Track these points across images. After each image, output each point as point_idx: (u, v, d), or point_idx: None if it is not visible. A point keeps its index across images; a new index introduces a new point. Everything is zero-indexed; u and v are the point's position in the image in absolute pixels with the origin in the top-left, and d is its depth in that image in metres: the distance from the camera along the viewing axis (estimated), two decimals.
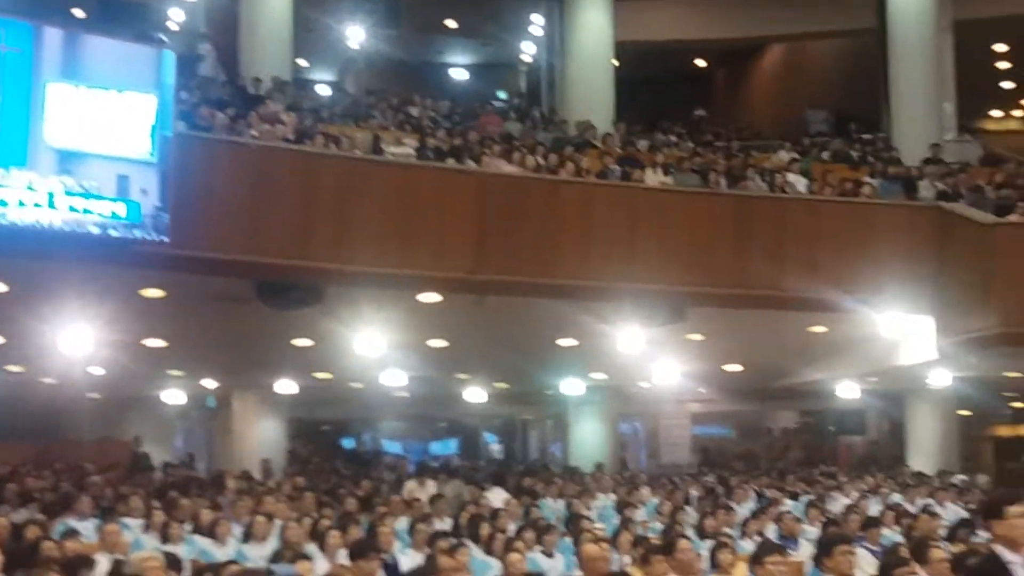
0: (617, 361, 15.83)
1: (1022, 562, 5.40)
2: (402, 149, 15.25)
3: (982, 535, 10.71)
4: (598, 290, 12.43)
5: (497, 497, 14.69)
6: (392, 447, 28.25)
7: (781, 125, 23.70)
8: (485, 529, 10.57)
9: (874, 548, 9.98)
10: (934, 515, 12.13)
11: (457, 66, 29.13)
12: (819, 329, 14.92)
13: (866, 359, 15.08)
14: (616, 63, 21.24)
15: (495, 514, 11.73)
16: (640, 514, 13.42)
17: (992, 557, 5.56)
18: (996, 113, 28.39)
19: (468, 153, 14.65)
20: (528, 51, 26.79)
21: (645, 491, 16.11)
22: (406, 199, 11.63)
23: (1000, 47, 24.49)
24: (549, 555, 9.84)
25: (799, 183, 16.16)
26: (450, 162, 13.93)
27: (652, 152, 17.50)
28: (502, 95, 27.98)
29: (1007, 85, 26.64)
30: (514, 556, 8.45)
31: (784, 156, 18.20)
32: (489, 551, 9.80)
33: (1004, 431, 25.89)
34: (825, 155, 19.47)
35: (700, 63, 28.75)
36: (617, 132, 18.61)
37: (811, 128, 22.74)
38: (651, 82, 25.14)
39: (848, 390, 18.07)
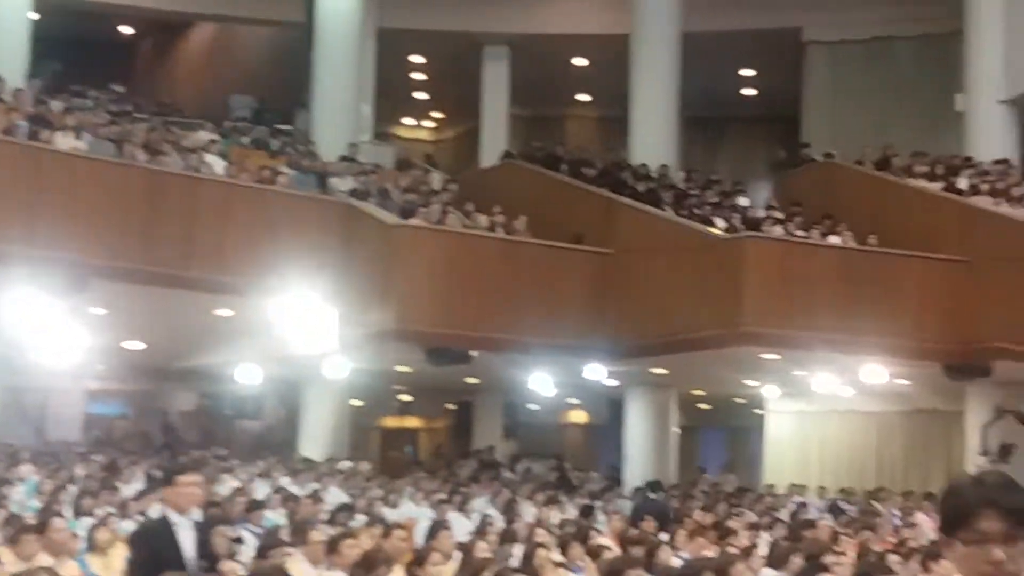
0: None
1: (188, 523, 6.29)
2: None
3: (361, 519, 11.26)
4: None
5: None
6: None
7: (204, 105, 23.48)
8: None
9: (256, 530, 10.16)
10: (318, 499, 12.56)
11: None
12: (225, 312, 14.94)
13: (268, 345, 15.31)
14: (36, 16, 19.95)
15: None
16: (19, 492, 12.68)
17: (162, 520, 6.37)
18: (409, 121, 30.03)
19: None
20: None
21: (26, 468, 15.24)
22: None
23: (417, 59, 25.93)
24: None
25: (217, 165, 16.10)
26: None
27: (66, 114, 16.62)
28: None
29: (421, 95, 28.27)
30: None
31: (204, 136, 18.04)
32: None
33: (391, 422, 27.41)
34: (245, 140, 19.56)
35: (126, 30, 27.76)
36: (30, 89, 17.47)
37: (234, 112, 22.74)
38: (73, 43, 23.93)
39: (249, 375, 18.25)
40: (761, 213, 17.83)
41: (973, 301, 15.23)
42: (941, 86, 21.33)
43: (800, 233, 16.61)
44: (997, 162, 18.75)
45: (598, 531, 11.23)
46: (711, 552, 9.19)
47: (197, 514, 6.47)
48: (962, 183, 17.75)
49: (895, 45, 23.13)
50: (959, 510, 2.36)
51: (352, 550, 7.53)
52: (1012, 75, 19.57)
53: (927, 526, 13.63)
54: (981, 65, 19.91)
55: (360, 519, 11.60)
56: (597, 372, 16.33)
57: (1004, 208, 16.55)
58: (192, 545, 6.26)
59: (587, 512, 14.15)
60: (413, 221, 15.65)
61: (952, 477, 2.58)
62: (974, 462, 16.39)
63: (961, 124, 20.37)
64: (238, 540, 8.37)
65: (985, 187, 17.34)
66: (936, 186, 17.80)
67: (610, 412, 23.50)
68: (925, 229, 16.38)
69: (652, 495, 16.36)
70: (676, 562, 7.72)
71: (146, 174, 14.18)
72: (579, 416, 27.53)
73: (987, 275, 15.22)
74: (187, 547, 6.23)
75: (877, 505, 16.71)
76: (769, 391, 21.07)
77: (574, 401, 25.49)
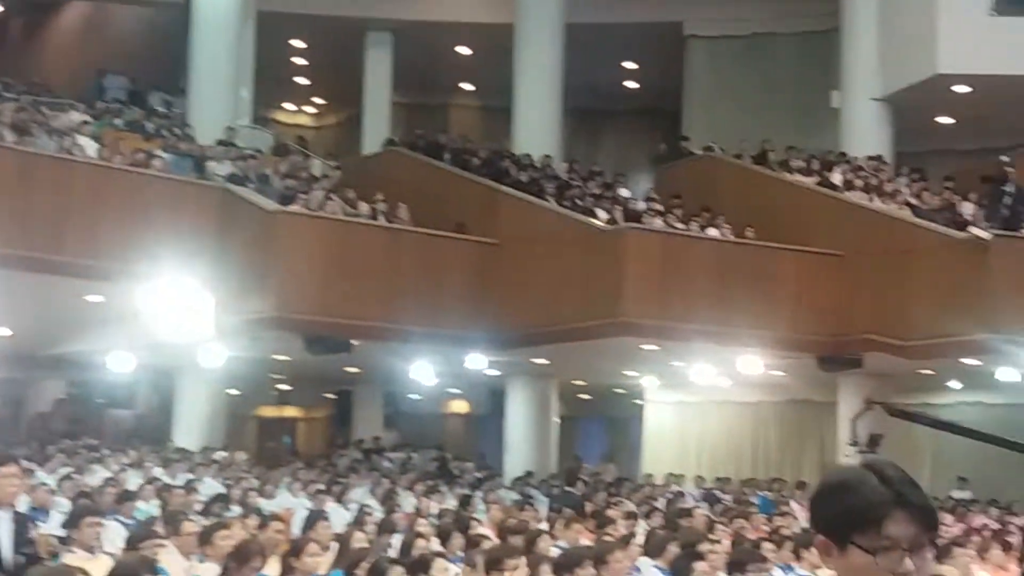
0: None
1: (6, 516, 6.08)
2: None
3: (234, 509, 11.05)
4: None
5: None
6: None
7: (76, 85, 22.81)
8: None
9: (128, 521, 9.90)
10: (192, 490, 12.30)
11: None
12: (96, 298, 14.53)
13: (142, 332, 14.93)
14: None
15: None
16: None
17: None
18: (289, 106, 29.62)
19: None
20: None
21: None
22: None
23: (298, 43, 25.58)
24: None
25: (89, 147, 15.65)
26: None
27: None
28: None
29: (302, 81, 27.90)
30: None
31: (76, 118, 17.52)
32: None
33: (268, 411, 27.05)
34: (119, 123, 19.06)
35: None
36: None
37: (107, 94, 22.15)
38: None
39: (121, 362, 17.80)
40: (642, 205, 17.98)
41: (846, 294, 15.56)
42: (818, 83, 21.76)
43: (680, 226, 16.78)
44: (871, 158, 19.20)
45: (478, 521, 11.19)
46: (588, 541, 9.21)
47: (23, 505, 6.22)
48: (837, 178, 18.12)
49: (774, 41, 23.52)
50: (860, 511, 1.93)
51: (226, 541, 7.37)
52: (886, 73, 20.05)
53: (800, 514, 13.89)
54: (856, 63, 20.36)
55: (235, 510, 11.38)
56: (478, 362, 16.31)
57: (877, 203, 16.94)
58: (9, 538, 6.04)
59: (467, 502, 14.12)
60: (293, 208, 15.41)
61: (836, 470, 2.06)
62: (844, 452, 16.78)
63: (837, 120, 20.82)
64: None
65: (859, 182, 17.73)
66: (812, 181, 18.15)
67: (491, 402, 23.52)
68: (801, 223, 16.69)
69: (568, 488, 16.49)
70: (554, 551, 7.71)
71: (15, 155, 13.71)
72: (460, 406, 27.51)
73: (859, 269, 15.57)
74: (4, 540, 6.02)
75: (769, 494, 16.99)
76: (648, 381, 21.31)
77: (455, 391, 25.46)
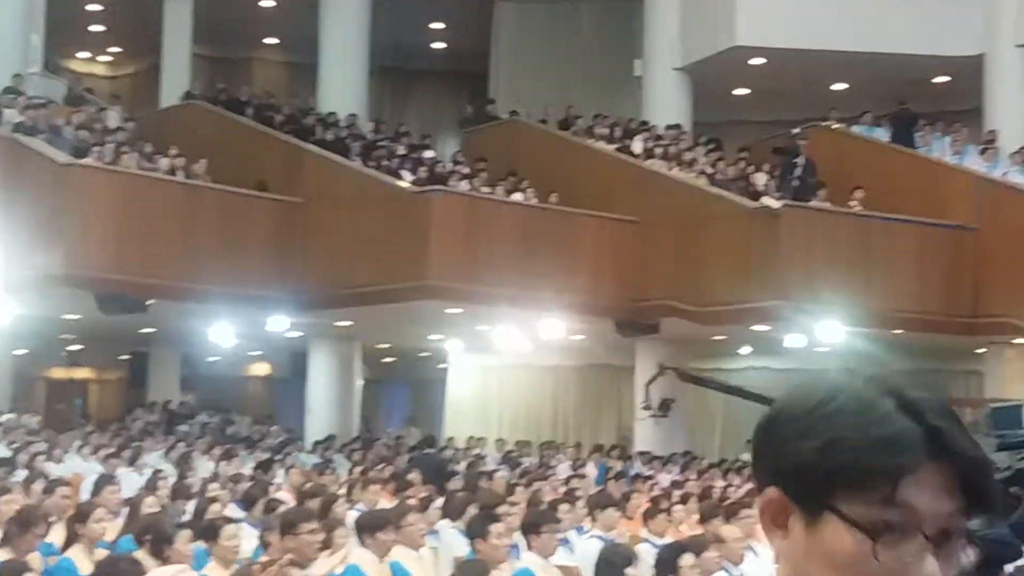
0: None
1: None
2: None
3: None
4: None
5: None
6: None
7: None
8: None
9: None
10: None
11: None
12: None
13: None
14: None
15: None
16: None
17: None
18: (84, 55, 28.42)
19: None
20: None
21: None
22: None
23: None
24: None
25: None
26: None
27: None
28: None
29: (97, 28, 26.78)
30: None
31: None
32: None
33: (58, 373, 26.08)
34: None
35: None
36: None
37: None
38: None
39: None
40: (448, 167, 17.96)
41: (644, 261, 15.92)
42: (622, 51, 22.10)
43: (485, 189, 16.84)
44: (670, 127, 19.63)
45: (276, 485, 11.04)
46: (388, 504, 9.20)
47: None
48: (637, 146, 18.47)
49: (579, 9, 23.77)
50: (855, 456, 1.10)
51: (9, 506, 7.09)
52: (687, 44, 20.49)
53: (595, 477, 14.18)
54: (658, 33, 20.75)
55: (21, 474, 10.94)
56: (280, 324, 16.05)
57: (675, 172, 17.35)
58: None
59: (266, 466, 13.91)
60: (86, 160, 14.82)
61: (816, 380, 1.19)
62: (638, 415, 17.23)
63: (639, 89, 21.21)
64: None
65: (659, 151, 18.12)
66: (613, 148, 18.46)
67: (293, 365, 23.21)
68: (602, 190, 16.96)
69: (428, 450, 16.42)
70: (352, 515, 7.67)
71: None
72: (261, 368, 27.07)
73: (658, 236, 15.94)
74: None
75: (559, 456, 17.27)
76: (452, 345, 21.37)
77: (256, 353, 25.02)
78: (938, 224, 15.80)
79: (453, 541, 7.59)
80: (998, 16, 19.00)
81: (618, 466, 15.97)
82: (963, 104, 19.59)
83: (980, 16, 19.12)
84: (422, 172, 17.42)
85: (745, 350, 20.05)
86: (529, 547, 6.64)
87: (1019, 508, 3.85)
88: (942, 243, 15.75)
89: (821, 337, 15.43)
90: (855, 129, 18.63)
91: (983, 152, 17.68)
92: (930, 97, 19.93)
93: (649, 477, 14.22)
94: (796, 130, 17.07)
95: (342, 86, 20.77)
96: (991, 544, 3.76)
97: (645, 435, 17.43)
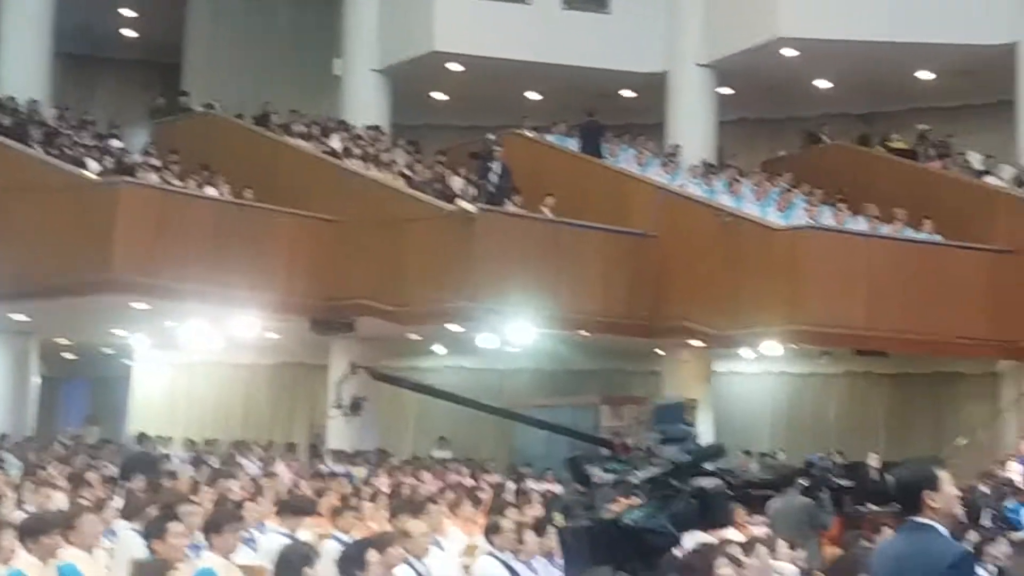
0: None
1: None
2: None
3: None
4: None
5: None
6: None
7: None
8: None
9: None
10: None
11: None
12: None
13: None
14: None
15: None
16: None
17: None
18: None
19: None
20: None
21: None
22: None
23: None
24: None
25: None
26: None
27: None
28: None
29: None
30: None
31: None
32: None
33: None
34: None
35: None
36: None
37: None
38: None
39: None
40: (137, 158, 17.32)
41: (341, 259, 15.88)
42: (321, 49, 21.96)
43: (177, 182, 16.35)
44: (369, 127, 19.67)
45: None
46: (61, 504, 8.78)
47: None
48: (336, 145, 18.40)
49: (276, 3, 23.46)
50: None
51: None
52: (386, 46, 20.61)
53: (287, 476, 14.02)
54: (357, 32, 20.78)
55: None
56: None
57: (373, 172, 17.39)
58: None
59: None
60: None
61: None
62: (330, 414, 17.19)
63: (339, 88, 21.15)
64: None
65: (357, 151, 18.11)
66: (312, 146, 18.31)
67: None
68: (300, 187, 16.80)
69: (140, 447, 15.67)
70: (19, 515, 7.27)
71: None
72: None
73: (355, 235, 15.93)
74: None
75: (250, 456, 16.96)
76: (138, 341, 20.63)
77: None
78: (622, 231, 16.51)
79: (130, 541, 7.32)
80: (681, 36, 20.11)
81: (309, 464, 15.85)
82: (648, 118, 20.60)
83: (664, 35, 20.17)
84: (109, 162, 16.72)
85: (440, 349, 20.32)
86: (211, 546, 6.49)
87: (678, 499, 4.08)
88: (626, 249, 16.45)
89: (512, 337, 15.85)
90: (548, 138, 19.22)
91: (665, 165, 18.61)
92: (617, 110, 20.85)
93: (341, 474, 14.18)
94: (492, 136, 17.45)
95: (22, 70, 19.66)
96: (650, 534, 3.97)
97: (338, 433, 17.38)
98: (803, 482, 9.37)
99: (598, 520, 4.02)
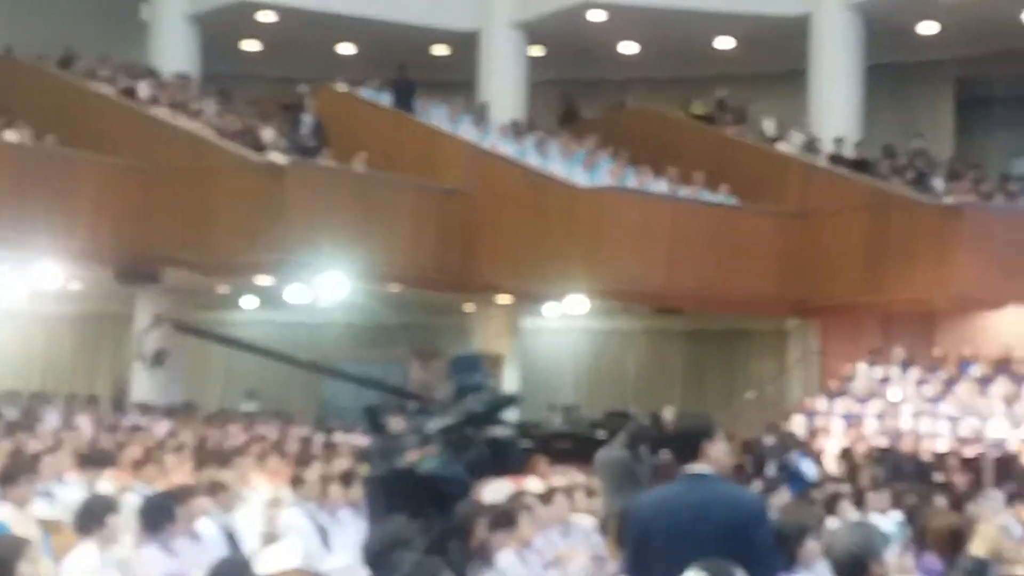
0: None
1: None
2: None
3: None
4: None
5: None
6: None
7: None
8: None
9: None
10: None
11: None
12: None
13: None
14: None
15: None
16: None
17: None
18: None
19: None
20: None
21: None
22: None
23: None
24: None
25: None
26: None
27: None
28: None
29: None
30: None
31: None
32: None
33: None
34: None
35: None
36: None
37: None
38: None
39: None
40: None
41: (148, 209, 15.63)
42: None
43: None
44: (178, 75, 19.29)
45: None
46: None
47: None
48: (143, 92, 18.00)
49: None
50: None
51: None
52: None
53: (88, 428, 13.83)
54: None
55: None
56: None
57: (182, 121, 17.10)
58: None
59: None
60: None
61: None
62: (134, 367, 16.97)
63: (146, 34, 20.66)
64: None
65: (165, 99, 17.76)
66: (117, 92, 17.87)
67: None
68: (105, 134, 16.43)
69: None
70: None
71: None
72: None
73: (162, 185, 15.73)
74: None
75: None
76: None
77: None
78: (433, 187, 16.73)
79: None
80: None
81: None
82: (460, 76, 20.79)
83: None
84: None
85: (249, 303, 20.21)
86: (4, 498, 6.49)
87: (472, 448, 4.33)
88: (437, 205, 16.67)
89: (323, 291, 15.91)
90: (361, 92, 19.22)
91: (476, 123, 18.87)
92: (431, 67, 20.99)
93: (144, 427, 14.06)
94: (303, 87, 17.37)
95: None
96: (444, 482, 4.23)
97: (142, 386, 17.17)
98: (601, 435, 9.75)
99: (394, 469, 4.25)
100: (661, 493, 4.51)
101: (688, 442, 4.36)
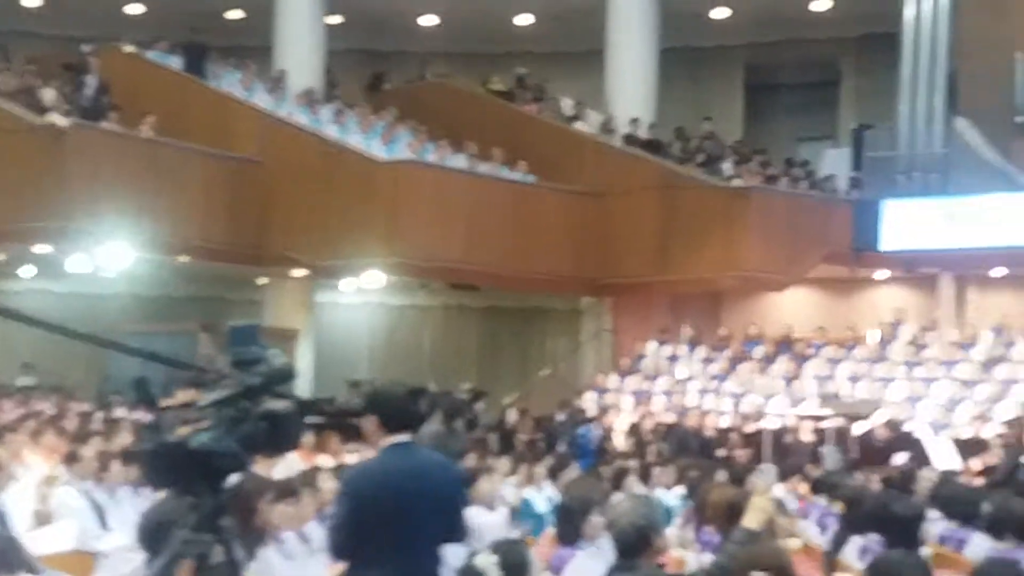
0: None
1: None
2: None
3: None
4: None
5: None
6: None
7: None
8: None
9: None
10: None
11: None
12: None
13: None
14: None
15: None
16: None
17: None
18: None
19: None
20: None
21: None
22: None
23: None
24: None
25: None
26: None
27: None
28: None
29: None
30: None
31: None
32: None
33: None
34: None
35: None
36: None
37: None
38: None
39: None
40: None
41: None
42: None
43: None
44: None
45: None
46: None
47: None
48: None
49: None
50: None
51: None
52: None
53: None
54: None
55: None
56: None
57: None
58: None
59: None
60: None
61: None
62: None
63: None
64: None
65: None
66: None
67: None
68: None
69: None
70: None
71: None
72: None
73: None
74: None
75: None
76: None
77: None
78: (225, 156, 16.24)
79: None
80: None
81: None
82: (256, 41, 20.21)
83: None
84: None
85: (27, 272, 19.25)
86: None
87: (247, 422, 4.13)
88: (229, 174, 16.21)
89: (106, 261, 15.28)
90: (149, 55, 18.48)
91: (271, 91, 18.39)
92: (225, 31, 20.37)
93: None
94: (87, 48, 16.59)
95: None
96: (216, 456, 4.02)
97: None
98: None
99: (164, 443, 4.02)
100: (373, 464, 4.75)
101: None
